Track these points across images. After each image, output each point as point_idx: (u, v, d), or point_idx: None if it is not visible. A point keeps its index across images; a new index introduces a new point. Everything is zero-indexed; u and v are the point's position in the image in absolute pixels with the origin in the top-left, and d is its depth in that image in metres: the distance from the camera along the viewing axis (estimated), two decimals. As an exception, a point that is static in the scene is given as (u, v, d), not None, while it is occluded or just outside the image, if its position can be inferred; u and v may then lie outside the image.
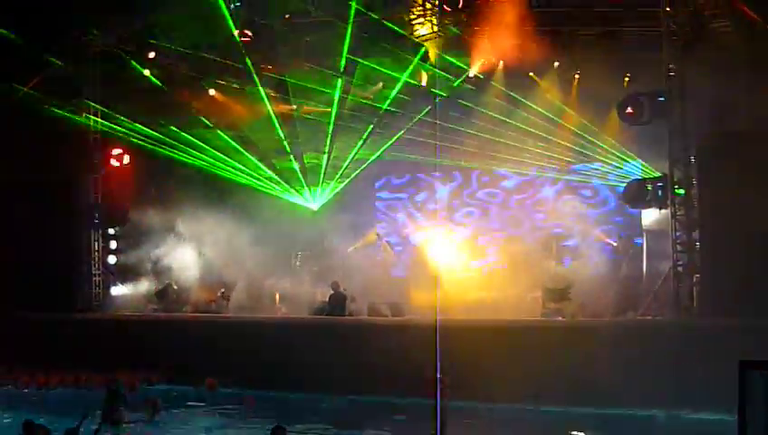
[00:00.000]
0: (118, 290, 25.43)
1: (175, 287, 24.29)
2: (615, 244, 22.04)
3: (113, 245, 25.58)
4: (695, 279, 18.12)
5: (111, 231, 25.51)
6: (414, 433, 14.40)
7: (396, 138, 24.24)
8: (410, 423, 15.29)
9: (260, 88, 23.66)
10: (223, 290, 23.87)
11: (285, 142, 24.96)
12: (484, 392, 16.24)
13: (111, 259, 25.53)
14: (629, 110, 19.45)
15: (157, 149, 24.41)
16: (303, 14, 22.35)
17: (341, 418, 16.67)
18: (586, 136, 21.72)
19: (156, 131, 24.42)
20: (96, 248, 24.97)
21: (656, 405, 15.58)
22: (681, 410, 15.34)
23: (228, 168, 24.99)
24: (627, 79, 20.95)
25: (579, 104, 21.65)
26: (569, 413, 15.82)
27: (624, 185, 20.32)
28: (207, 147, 24.82)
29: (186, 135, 24.52)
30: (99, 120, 24.64)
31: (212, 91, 24.38)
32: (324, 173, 25.27)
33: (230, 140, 24.88)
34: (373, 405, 17.42)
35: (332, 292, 22.04)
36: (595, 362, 15.85)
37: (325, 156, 25.02)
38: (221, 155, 24.89)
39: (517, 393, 16.04)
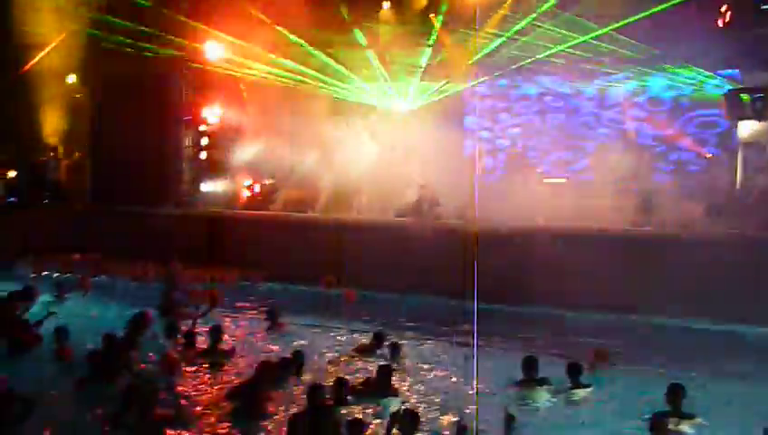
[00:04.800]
0: (208, 186, 25.98)
1: (268, 183, 24.66)
2: (710, 155, 21.61)
3: (204, 141, 26.07)
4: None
5: (203, 128, 25.93)
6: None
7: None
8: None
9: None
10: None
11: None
12: (564, 301, 16.36)
13: (202, 155, 26.07)
14: (728, 17, 18.79)
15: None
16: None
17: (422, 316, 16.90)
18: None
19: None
20: (187, 144, 25.40)
21: (744, 320, 15.33)
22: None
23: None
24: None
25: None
26: (653, 324, 15.82)
27: (721, 95, 19.79)
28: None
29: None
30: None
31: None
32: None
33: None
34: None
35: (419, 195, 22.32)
36: (682, 273, 15.69)
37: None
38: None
39: (598, 302, 16.05)
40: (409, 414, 9.45)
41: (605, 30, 20.38)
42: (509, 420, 9.02)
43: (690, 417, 10.12)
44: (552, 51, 21.89)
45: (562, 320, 16.15)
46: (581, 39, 21.12)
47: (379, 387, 11.16)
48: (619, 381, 12.10)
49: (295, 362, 12.19)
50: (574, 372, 11.60)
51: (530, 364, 11.67)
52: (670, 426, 9.74)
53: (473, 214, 20.67)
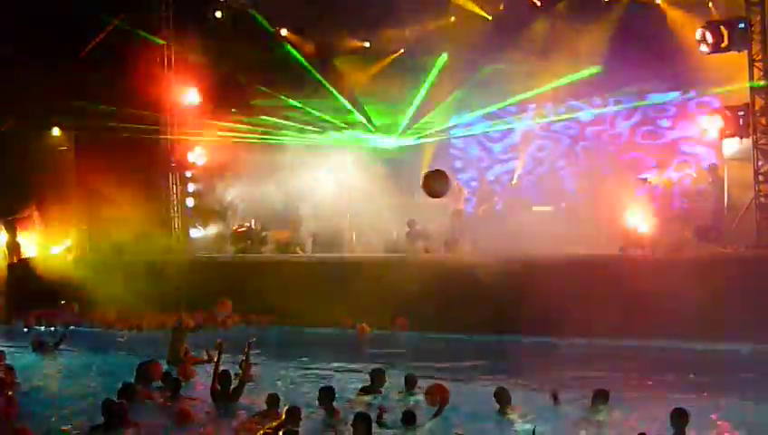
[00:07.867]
0: (197, 233, 25.81)
1: (255, 228, 24.57)
2: (695, 175, 21.69)
3: (191, 188, 25.91)
4: (776, 210, 17.84)
5: (188, 174, 25.75)
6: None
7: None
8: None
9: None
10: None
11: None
12: (555, 328, 16.32)
13: (189, 202, 25.87)
14: (708, 37, 18.94)
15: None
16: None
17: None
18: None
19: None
20: (174, 192, 25.28)
21: (739, 339, 15.34)
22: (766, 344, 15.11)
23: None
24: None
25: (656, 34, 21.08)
26: (651, 348, 15.83)
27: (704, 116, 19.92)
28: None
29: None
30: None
31: (284, 32, 24.45)
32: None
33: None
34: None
35: (408, 229, 22.31)
36: (677, 296, 15.64)
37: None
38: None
39: (596, 328, 15.99)
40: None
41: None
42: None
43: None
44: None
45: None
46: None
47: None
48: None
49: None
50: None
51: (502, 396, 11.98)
52: None
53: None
